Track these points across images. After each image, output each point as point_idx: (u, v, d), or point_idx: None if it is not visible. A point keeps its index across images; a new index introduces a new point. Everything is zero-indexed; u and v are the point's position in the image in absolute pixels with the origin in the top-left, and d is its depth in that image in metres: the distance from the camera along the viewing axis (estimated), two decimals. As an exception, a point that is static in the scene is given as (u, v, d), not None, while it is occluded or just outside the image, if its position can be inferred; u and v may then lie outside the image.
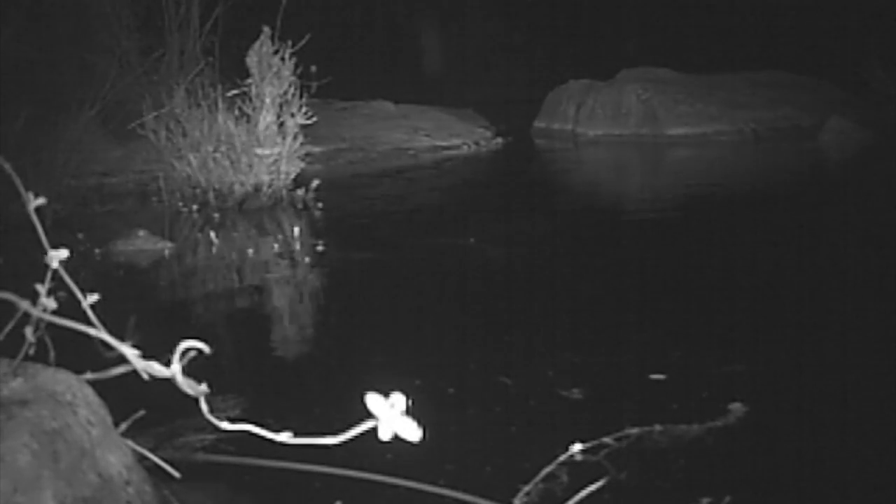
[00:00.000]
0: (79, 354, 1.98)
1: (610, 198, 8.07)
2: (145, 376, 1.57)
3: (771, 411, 3.16)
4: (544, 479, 2.55)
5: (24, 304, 1.59)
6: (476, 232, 5.99)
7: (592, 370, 3.58)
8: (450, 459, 2.77)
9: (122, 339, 1.59)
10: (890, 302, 4.43)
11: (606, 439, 2.75)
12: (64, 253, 1.64)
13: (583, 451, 2.70)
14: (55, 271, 1.67)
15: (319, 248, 5.81)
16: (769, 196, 7.52)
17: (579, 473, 2.60)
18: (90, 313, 1.63)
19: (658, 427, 2.91)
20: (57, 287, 1.73)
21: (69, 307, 1.74)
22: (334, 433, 1.56)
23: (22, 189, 1.58)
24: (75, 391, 2.05)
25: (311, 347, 4.18)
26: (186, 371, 1.54)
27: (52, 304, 1.66)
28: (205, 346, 1.55)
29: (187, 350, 1.53)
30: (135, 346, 1.59)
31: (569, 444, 2.72)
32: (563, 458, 2.63)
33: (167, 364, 1.57)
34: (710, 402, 3.17)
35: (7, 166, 1.54)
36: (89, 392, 2.10)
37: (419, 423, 1.42)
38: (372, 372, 3.62)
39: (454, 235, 5.88)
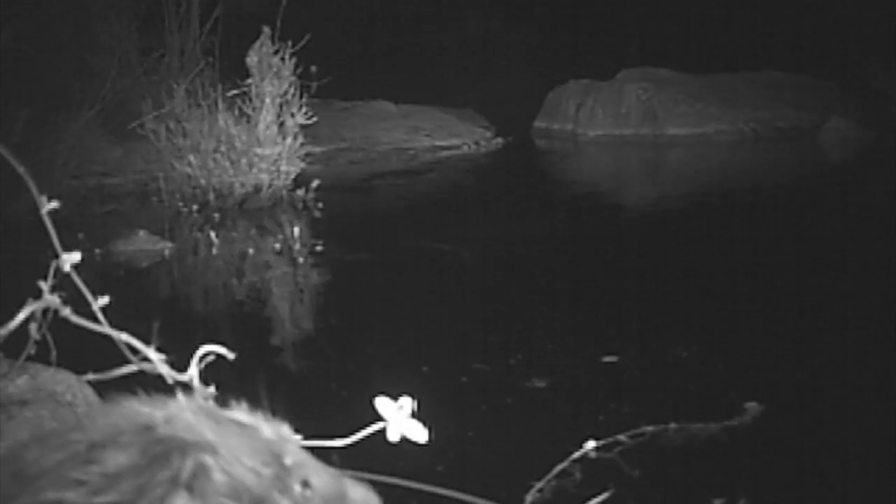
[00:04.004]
0: (78, 354, 1.97)
1: (609, 198, 8.06)
2: (170, 380, 1.56)
3: (771, 405, 3.16)
4: (557, 477, 2.54)
5: (56, 303, 1.58)
6: (474, 234, 5.99)
7: (562, 360, 3.70)
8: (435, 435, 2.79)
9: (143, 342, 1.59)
10: (890, 301, 4.43)
11: (621, 437, 2.73)
12: (76, 256, 1.64)
13: (596, 449, 2.67)
14: (57, 270, 1.67)
15: (319, 248, 5.81)
16: (769, 196, 7.52)
17: (591, 471, 2.60)
18: (100, 315, 1.63)
19: (673, 425, 2.90)
20: (58, 287, 1.73)
21: (72, 307, 1.73)
22: (338, 429, 1.56)
23: (36, 193, 1.57)
24: (75, 391, 2.05)
25: (310, 346, 4.18)
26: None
27: (56, 301, 1.66)
28: (228, 352, 1.55)
29: (205, 355, 1.54)
30: (158, 349, 1.59)
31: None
32: (576, 455, 2.60)
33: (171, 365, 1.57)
34: (725, 399, 3.17)
35: (21, 169, 1.54)
36: (89, 392, 2.09)
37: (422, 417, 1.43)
38: (367, 366, 3.66)
39: (451, 237, 5.88)
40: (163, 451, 0.92)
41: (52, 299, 1.59)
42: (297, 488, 0.99)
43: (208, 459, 0.93)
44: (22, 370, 2.02)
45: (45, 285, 1.62)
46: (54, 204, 1.56)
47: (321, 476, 1.03)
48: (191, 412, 0.98)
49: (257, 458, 0.97)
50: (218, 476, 0.93)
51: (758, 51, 12.05)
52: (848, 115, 10.07)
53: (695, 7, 13.63)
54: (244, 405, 1.06)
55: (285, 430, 1.04)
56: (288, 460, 0.99)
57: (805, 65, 11.28)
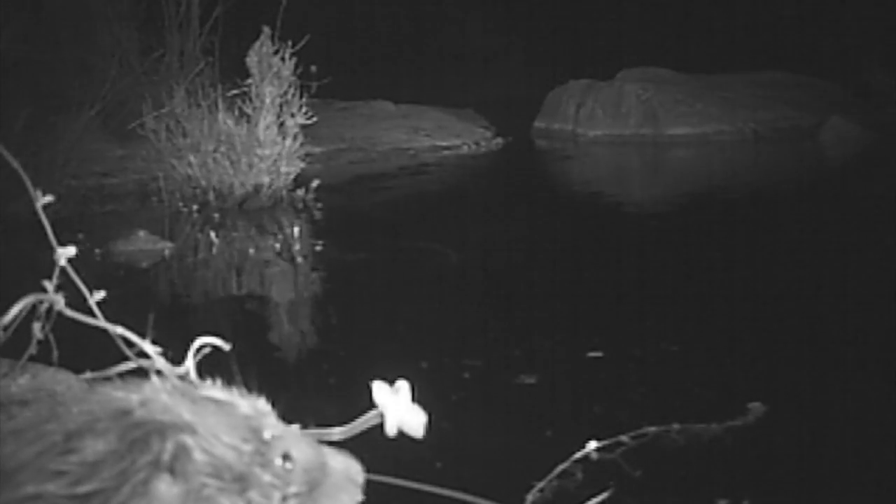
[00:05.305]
0: (78, 354, 1.97)
1: (609, 198, 8.06)
2: (166, 375, 1.57)
3: (770, 404, 3.16)
4: (558, 477, 2.54)
5: (59, 301, 1.58)
6: (474, 234, 5.99)
7: (560, 358, 3.80)
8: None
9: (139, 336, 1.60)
10: (891, 300, 4.43)
11: (623, 437, 2.72)
12: (72, 250, 1.64)
13: (598, 449, 2.66)
14: (59, 270, 1.67)
15: (318, 248, 5.81)
16: (769, 196, 7.52)
17: (593, 471, 2.59)
18: (96, 310, 1.63)
19: (676, 425, 2.90)
20: (58, 286, 1.73)
21: (72, 306, 1.73)
22: (336, 425, 1.56)
23: (30, 187, 1.57)
24: (76, 391, 2.05)
25: (310, 344, 4.19)
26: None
27: (60, 300, 1.66)
28: (222, 343, 1.55)
29: (201, 347, 1.54)
30: (154, 342, 1.59)
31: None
32: (578, 455, 2.59)
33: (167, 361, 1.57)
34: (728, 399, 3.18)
35: (15, 164, 1.54)
36: (90, 392, 2.09)
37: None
38: (365, 363, 3.67)
39: (450, 237, 5.89)
40: (141, 435, 0.91)
41: (49, 295, 1.59)
42: (278, 461, 0.99)
43: (188, 440, 0.92)
44: (23, 370, 2.02)
45: (44, 282, 1.62)
46: (49, 198, 1.56)
47: (301, 448, 1.02)
48: (166, 393, 0.97)
49: (236, 434, 0.96)
50: (199, 456, 0.92)
51: (758, 51, 12.06)
52: (848, 115, 10.07)
53: (695, 7, 13.63)
54: (219, 382, 1.05)
55: (262, 404, 1.03)
56: (267, 434, 0.99)
57: (805, 65, 11.28)
